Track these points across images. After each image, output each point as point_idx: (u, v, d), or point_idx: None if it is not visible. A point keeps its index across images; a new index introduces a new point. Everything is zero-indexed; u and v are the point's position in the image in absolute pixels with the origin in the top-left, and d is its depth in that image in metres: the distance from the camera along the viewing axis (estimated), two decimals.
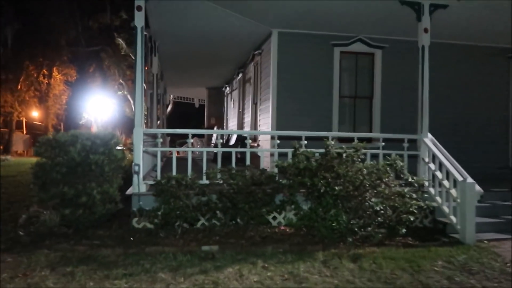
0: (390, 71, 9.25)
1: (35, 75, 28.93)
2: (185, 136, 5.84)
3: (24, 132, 34.79)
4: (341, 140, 7.88)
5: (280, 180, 5.41)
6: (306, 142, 6.05)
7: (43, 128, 32.50)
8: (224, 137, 5.85)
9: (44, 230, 5.12)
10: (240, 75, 12.93)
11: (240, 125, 13.15)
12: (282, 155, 6.06)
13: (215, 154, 12.93)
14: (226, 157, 5.97)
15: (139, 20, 5.58)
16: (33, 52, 26.72)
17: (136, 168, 5.52)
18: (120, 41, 25.00)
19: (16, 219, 5.94)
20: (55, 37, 26.26)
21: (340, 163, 4.89)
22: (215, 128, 16.97)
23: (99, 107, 30.07)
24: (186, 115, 29.46)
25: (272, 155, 7.30)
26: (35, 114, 34.18)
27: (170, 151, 7.11)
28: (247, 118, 11.76)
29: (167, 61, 12.37)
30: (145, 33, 10.48)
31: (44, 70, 29.36)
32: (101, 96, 29.71)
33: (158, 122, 15.47)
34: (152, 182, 5.67)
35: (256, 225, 5.45)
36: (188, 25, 8.48)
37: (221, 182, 5.40)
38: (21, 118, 33.16)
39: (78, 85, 30.87)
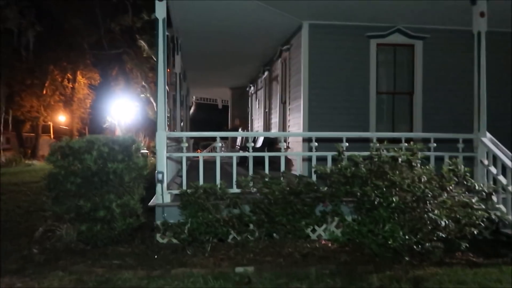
0: (432, 64, 8.42)
1: (59, 79, 29.20)
2: (209, 138, 5.27)
3: (51, 136, 35.32)
4: (379, 140, 7.17)
5: (320, 188, 4.75)
6: (347, 144, 5.37)
7: (69, 132, 32.86)
8: (250, 139, 5.31)
9: (61, 246, 4.64)
10: (266, 73, 12.30)
11: (267, 126, 12.52)
12: (320, 160, 5.39)
13: (241, 157, 12.40)
14: (255, 161, 5.34)
15: (160, 11, 5.03)
16: (57, 56, 26.92)
17: (160, 176, 4.96)
18: (142, 43, 24.81)
19: (33, 231, 5.52)
20: (78, 40, 26.34)
21: (393, 169, 4.19)
22: (240, 130, 16.39)
23: (123, 110, 30.05)
24: (209, 116, 29.08)
25: (305, 159, 6.65)
26: (61, 118, 34.61)
27: (196, 156, 6.52)
28: (275, 119, 11.12)
29: (189, 61, 11.86)
30: (167, 33, 10.08)
31: (69, 74, 29.60)
32: (124, 99, 29.68)
33: (182, 124, 15.04)
34: (177, 192, 5.12)
35: (294, 240, 4.81)
36: (213, 19, 7.91)
37: (253, 190, 4.79)
38: (48, 123, 33.66)
39: (101, 89, 31.04)
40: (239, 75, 14.78)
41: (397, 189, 4.00)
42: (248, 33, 8.98)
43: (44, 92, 28.34)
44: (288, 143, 9.28)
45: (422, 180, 3.96)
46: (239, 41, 9.70)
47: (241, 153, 5.37)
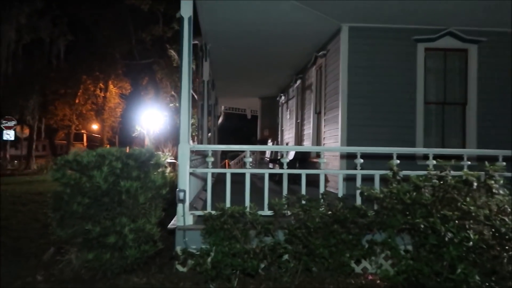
0: (488, 71, 7.50)
1: (92, 88, 29.62)
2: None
3: (85, 144, 35.90)
4: (425, 157, 6.31)
5: (367, 212, 3.98)
6: (398, 161, 4.58)
7: (100, 141, 33.25)
8: (285, 154, 4.65)
9: (69, 273, 4.08)
10: (299, 81, 11.61)
11: (298, 138, 11.79)
12: (366, 179, 4.63)
13: (270, 169, 11.69)
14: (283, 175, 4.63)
15: (185, 9, 4.47)
16: (90, 66, 27.32)
17: (181, 195, 4.34)
18: (172, 52, 24.70)
19: (44, 251, 5.03)
20: (110, 51, 26.64)
21: (463, 194, 3.38)
22: (269, 141, 15.73)
23: (152, 119, 30.05)
24: (237, 126, 28.60)
25: (345, 178, 5.88)
26: (94, 127, 35.13)
27: (222, 171, 5.87)
28: (308, 130, 10.38)
29: (218, 69, 11.36)
30: (195, 41, 9.61)
31: (101, 84, 29.99)
32: (153, 108, 29.70)
33: (209, 135, 14.54)
34: (200, 213, 4.48)
35: (335, 274, 4.05)
36: (244, 21, 7.33)
37: (288, 213, 4.08)
38: (82, 131, 34.22)
39: (132, 98, 31.20)
40: (269, 84, 14.17)
41: (471, 221, 3.18)
42: (281, 38, 8.34)
43: (77, 101, 28.79)
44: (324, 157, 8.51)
45: (508, 211, 3.13)
46: (271, 47, 9.10)
47: (274, 170, 4.66)
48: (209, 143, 13.84)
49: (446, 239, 3.03)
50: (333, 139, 7.85)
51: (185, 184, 4.42)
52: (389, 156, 4.76)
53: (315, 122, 9.67)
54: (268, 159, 12.54)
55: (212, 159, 4.55)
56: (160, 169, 3.95)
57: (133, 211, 3.55)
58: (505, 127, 7.30)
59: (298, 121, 11.82)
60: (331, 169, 6.28)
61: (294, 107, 12.44)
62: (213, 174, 6.00)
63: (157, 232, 3.84)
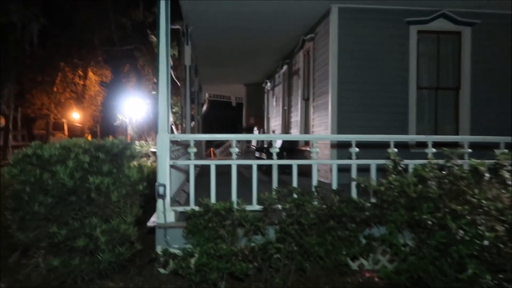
0: (482, 55, 7.24)
1: (70, 76, 28.55)
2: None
3: (66, 133, 34.75)
4: (419, 145, 6.05)
5: (365, 206, 3.66)
6: (396, 150, 4.26)
7: (80, 130, 32.30)
8: (274, 142, 4.31)
9: (36, 278, 3.66)
10: (285, 67, 11.20)
11: (286, 126, 11.44)
12: (358, 170, 4.30)
13: (257, 158, 11.32)
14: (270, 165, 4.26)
15: None
16: (68, 53, 26.24)
17: (161, 189, 3.94)
18: (154, 38, 23.88)
19: (11, 253, 4.57)
20: (89, 36, 25.62)
21: (471, 186, 3.07)
22: (255, 128, 15.34)
23: (134, 107, 29.22)
24: (222, 114, 28.06)
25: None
26: (76, 116, 33.89)
27: (206, 162, 5.47)
28: (295, 117, 10.03)
29: (201, 54, 10.86)
30: (177, 26, 9.06)
31: (80, 71, 28.93)
32: (136, 96, 28.87)
33: (193, 123, 14.04)
34: (183, 209, 4.10)
35: (330, 273, 3.75)
36: (228, 1, 6.85)
37: (279, 207, 3.73)
38: (63, 120, 33.03)
39: (113, 86, 30.22)
40: (255, 70, 13.72)
41: (482, 216, 2.88)
42: (267, 20, 7.90)
43: (55, 89, 27.71)
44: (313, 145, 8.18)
45: None
46: (256, 30, 8.63)
47: (263, 161, 4.28)
48: (193, 132, 13.37)
49: (458, 237, 2.72)
50: (323, 126, 7.51)
51: (165, 177, 4.01)
52: (382, 145, 4.45)
53: (303, 109, 9.31)
54: (254, 148, 12.17)
55: (194, 150, 4.14)
56: (136, 162, 3.53)
57: (105, 210, 3.14)
58: (500, 113, 7.09)
59: (285, 108, 11.45)
60: (324, 159, 5.95)
61: (280, 93, 12.05)
62: (197, 165, 5.60)
63: (134, 232, 3.44)
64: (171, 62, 16.50)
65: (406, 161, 3.89)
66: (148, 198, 4.17)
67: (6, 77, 22.61)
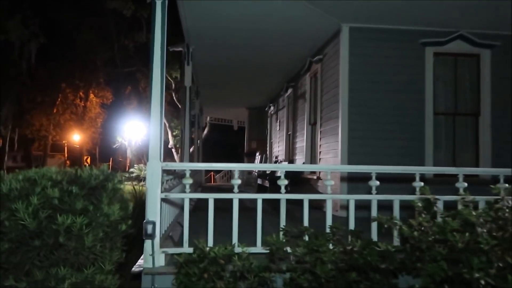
0: (503, 79, 6.75)
1: (71, 97, 28.30)
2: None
3: (66, 155, 34.28)
4: (437, 176, 5.50)
5: (394, 255, 3.04)
6: (422, 183, 3.69)
7: (79, 152, 31.81)
8: (281, 173, 3.80)
9: None
10: (290, 90, 10.75)
11: (290, 151, 10.89)
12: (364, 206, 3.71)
13: (259, 186, 10.70)
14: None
15: None
16: (70, 74, 26.07)
17: (149, 228, 3.34)
18: None
19: None
20: (91, 58, 25.48)
21: None
22: (257, 154, 14.79)
23: (134, 130, 28.82)
24: (223, 138, 27.57)
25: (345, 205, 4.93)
26: (76, 137, 33.51)
27: (203, 196, 4.88)
28: (300, 143, 9.48)
29: (203, 75, 10.44)
30: (179, 48, 8.65)
31: (81, 93, 28.71)
32: (136, 119, 28.51)
33: (192, 149, 13.52)
34: (174, 251, 3.49)
35: None
36: (231, 17, 6.43)
37: (288, 250, 3.12)
38: (63, 142, 32.64)
39: (113, 108, 30.00)
40: (258, 93, 13.30)
41: None
42: (272, 39, 7.49)
43: (55, 110, 27.42)
44: (320, 173, 7.62)
45: None
46: (260, 50, 8.23)
47: (269, 195, 3.70)
48: (191, 157, 12.82)
49: None
50: (331, 153, 6.95)
51: (155, 213, 3.42)
52: (400, 177, 3.89)
53: (309, 135, 8.78)
54: (256, 174, 11.59)
55: (190, 181, 3.57)
56: (120, 195, 2.96)
57: (78, 257, 2.55)
58: None
59: (289, 133, 10.93)
60: (340, 195, 5.34)
61: (284, 117, 11.55)
62: (192, 201, 5.03)
63: (113, 282, 2.82)
64: (173, 85, 16.12)
65: (450, 196, 3.32)
66: (136, 234, 3.57)
67: (5, 97, 22.33)
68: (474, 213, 2.55)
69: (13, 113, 23.94)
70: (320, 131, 7.70)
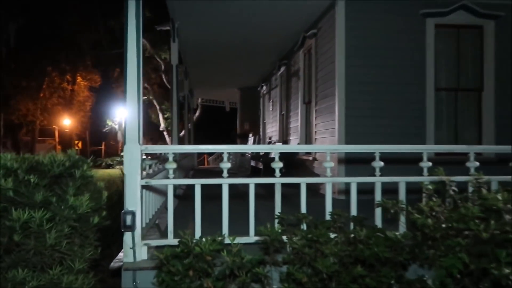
0: (508, 52, 6.38)
1: (58, 81, 27.48)
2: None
3: (56, 140, 33.51)
4: (438, 155, 5.18)
5: (402, 242, 2.72)
6: (430, 164, 3.36)
7: (69, 137, 31.13)
8: (275, 154, 3.49)
9: None
10: (283, 68, 10.31)
11: (283, 132, 10.53)
12: (365, 191, 3.37)
13: (253, 168, 10.36)
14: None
15: None
16: (55, 57, 25.20)
17: (129, 219, 2.99)
18: (144, 41, 23.02)
19: None
20: (77, 40, 24.61)
21: None
22: (250, 136, 14.40)
23: (124, 113, 28.19)
24: (215, 120, 27.09)
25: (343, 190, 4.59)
26: (67, 122, 32.67)
27: (188, 182, 4.51)
28: (295, 123, 9.12)
29: (191, 54, 9.95)
30: (166, 27, 8.14)
31: (68, 76, 27.88)
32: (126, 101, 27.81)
33: (182, 132, 13.07)
34: (158, 243, 3.16)
35: None
36: None
37: (284, 239, 2.79)
38: (53, 127, 31.83)
39: (102, 91, 29.22)
40: (249, 72, 12.83)
41: None
42: (263, 14, 7.02)
43: (41, 95, 26.64)
44: (315, 154, 7.29)
45: None
46: (250, 26, 7.77)
47: (262, 179, 3.33)
48: (182, 139, 12.40)
49: None
50: (327, 133, 6.60)
51: (135, 202, 3.06)
52: (402, 158, 3.57)
53: (304, 114, 8.41)
54: (249, 155, 11.24)
55: (173, 165, 3.20)
56: (91, 184, 2.58)
57: (41, 257, 2.19)
58: None
59: (283, 113, 10.54)
60: (341, 178, 4.99)
61: (277, 97, 11.14)
62: (178, 189, 4.67)
63: (86, 282, 2.48)
64: (162, 66, 15.48)
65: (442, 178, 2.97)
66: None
67: None
68: (499, 197, 2.21)
69: None
70: (316, 110, 7.33)
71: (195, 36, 8.31)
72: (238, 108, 17.76)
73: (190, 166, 11.16)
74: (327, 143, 6.56)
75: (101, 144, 32.67)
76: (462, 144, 6.02)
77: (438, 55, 6.32)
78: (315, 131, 7.32)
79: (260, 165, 9.23)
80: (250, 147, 4.91)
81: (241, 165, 11.68)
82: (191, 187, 3.21)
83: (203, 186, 3.18)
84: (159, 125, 24.47)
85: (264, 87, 13.61)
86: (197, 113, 25.02)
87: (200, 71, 12.19)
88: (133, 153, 3.08)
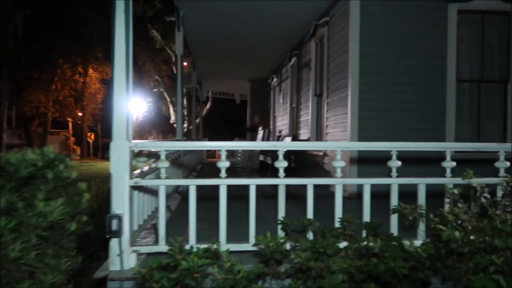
0: None
1: (69, 73, 27.46)
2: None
3: (70, 132, 33.67)
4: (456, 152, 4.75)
5: (425, 262, 2.36)
6: (454, 164, 2.98)
7: (80, 130, 31.20)
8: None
9: None
10: (293, 59, 9.90)
11: (294, 126, 10.15)
12: (378, 195, 3.00)
13: (262, 163, 10.02)
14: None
15: None
16: (66, 49, 25.12)
17: (114, 224, 2.69)
18: (155, 33, 22.76)
19: None
20: (87, 32, 24.46)
21: None
22: (260, 129, 14.04)
23: (135, 106, 28.07)
24: (227, 112, 26.75)
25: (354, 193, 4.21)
26: (80, 114, 32.73)
27: (182, 182, 4.23)
28: (305, 116, 8.74)
29: (197, 43, 9.60)
30: (173, 18, 7.79)
31: (79, 68, 27.83)
32: (136, 94, 27.71)
33: (190, 126, 12.77)
34: (148, 249, 2.86)
35: None
36: None
37: (288, 247, 2.47)
38: (67, 119, 31.92)
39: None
40: (259, 64, 12.43)
41: None
42: (272, 2, 6.62)
43: (53, 87, 26.65)
44: (326, 150, 6.91)
45: None
46: (259, 15, 7.37)
47: (264, 180, 2.99)
48: (189, 133, 12.11)
49: None
50: (339, 127, 6.22)
51: (123, 204, 2.76)
52: (417, 156, 3.19)
53: (315, 107, 8.01)
54: (258, 150, 10.89)
55: (166, 164, 2.88)
56: (70, 186, 2.28)
57: (6, 272, 1.91)
58: None
59: (293, 105, 10.15)
60: (353, 180, 4.61)
61: (288, 89, 10.75)
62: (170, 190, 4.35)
63: None
64: (173, 58, 15.12)
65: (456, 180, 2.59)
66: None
67: None
68: None
69: (9, 91, 23.17)
70: (327, 103, 6.94)
71: (201, 26, 7.96)
72: (248, 100, 17.40)
73: (198, 160, 10.87)
74: (339, 137, 6.18)
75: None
76: (483, 141, 5.65)
77: (460, 43, 5.86)
78: (326, 125, 6.93)
79: (269, 160, 8.89)
80: (250, 145, 4.54)
81: (250, 160, 11.35)
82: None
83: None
84: (169, 118, 24.31)
85: (275, 79, 13.21)
86: (208, 106, 24.75)
87: (208, 63, 11.85)
88: (121, 150, 2.77)
